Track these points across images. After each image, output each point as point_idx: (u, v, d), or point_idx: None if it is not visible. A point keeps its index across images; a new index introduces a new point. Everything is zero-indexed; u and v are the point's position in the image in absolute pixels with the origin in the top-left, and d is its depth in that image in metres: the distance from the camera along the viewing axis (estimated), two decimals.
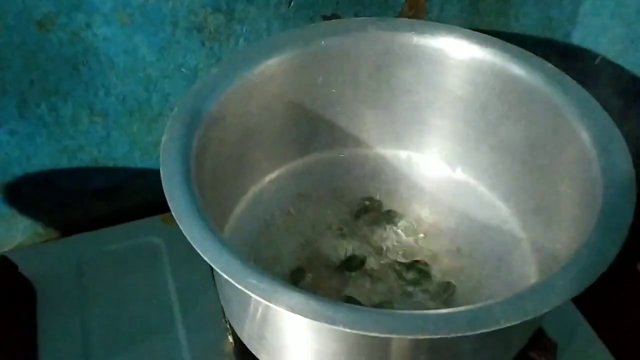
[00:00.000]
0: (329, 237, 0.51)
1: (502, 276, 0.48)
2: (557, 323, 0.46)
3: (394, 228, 0.52)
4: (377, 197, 0.54)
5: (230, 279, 0.31)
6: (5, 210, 0.56)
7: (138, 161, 0.58)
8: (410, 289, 0.47)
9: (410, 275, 0.48)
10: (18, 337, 0.47)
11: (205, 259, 0.32)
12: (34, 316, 0.49)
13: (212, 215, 0.38)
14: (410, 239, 0.51)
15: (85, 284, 0.51)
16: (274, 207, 0.52)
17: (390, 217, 0.52)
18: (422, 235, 0.52)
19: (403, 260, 0.49)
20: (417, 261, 0.49)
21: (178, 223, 0.34)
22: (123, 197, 0.60)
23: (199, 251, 0.33)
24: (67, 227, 0.59)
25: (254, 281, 0.31)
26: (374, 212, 0.53)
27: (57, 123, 0.52)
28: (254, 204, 0.51)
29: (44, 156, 0.54)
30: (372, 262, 0.49)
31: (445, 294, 0.47)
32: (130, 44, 0.50)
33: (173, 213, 0.34)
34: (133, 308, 0.50)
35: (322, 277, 0.47)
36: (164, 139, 0.39)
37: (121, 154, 0.57)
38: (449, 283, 0.48)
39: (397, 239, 0.51)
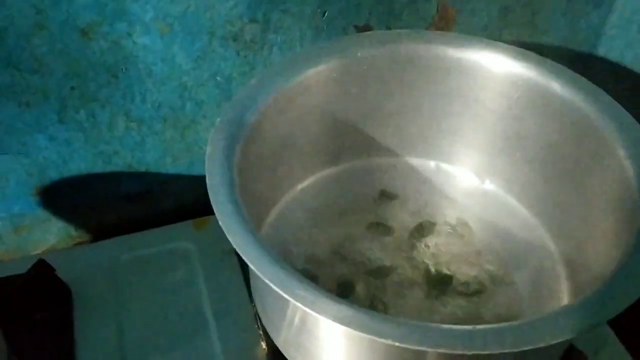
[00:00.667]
0: (360, 243, 0.52)
1: (532, 288, 0.48)
2: (586, 336, 0.47)
3: (423, 238, 0.52)
4: (408, 207, 0.55)
5: (278, 289, 0.32)
6: (41, 212, 0.57)
7: (170, 167, 0.59)
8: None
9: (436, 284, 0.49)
10: (56, 338, 0.48)
11: (254, 269, 0.33)
12: (70, 318, 0.50)
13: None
14: (440, 249, 0.52)
15: (120, 288, 0.52)
16: (305, 215, 0.52)
17: (420, 227, 0.53)
18: (451, 246, 0.52)
19: (432, 271, 0.50)
20: (446, 275, 0.50)
21: (226, 234, 0.35)
22: (154, 202, 0.60)
23: (247, 261, 0.34)
24: (99, 230, 0.60)
25: (301, 292, 0.32)
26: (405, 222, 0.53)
27: (94, 128, 0.53)
28: (286, 212, 0.52)
29: (80, 161, 0.55)
30: (401, 271, 0.50)
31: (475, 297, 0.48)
32: (168, 52, 0.51)
33: (221, 224, 0.35)
34: (166, 312, 0.51)
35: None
36: (208, 151, 0.40)
37: (154, 159, 0.58)
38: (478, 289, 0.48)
39: (426, 249, 0.52)
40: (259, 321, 0.48)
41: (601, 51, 0.66)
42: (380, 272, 0.49)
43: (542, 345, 0.30)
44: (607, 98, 0.45)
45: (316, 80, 0.48)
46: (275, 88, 0.45)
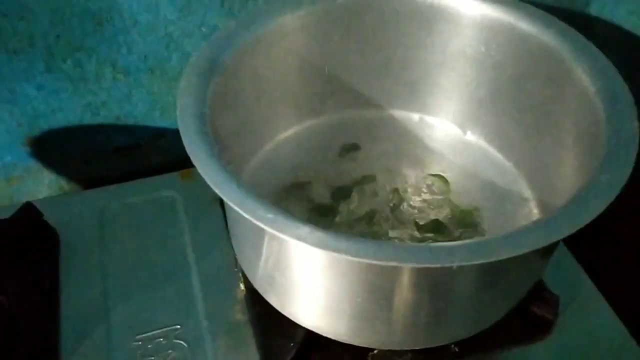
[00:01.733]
0: (341, 194, 0.52)
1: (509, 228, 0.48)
2: (558, 277, 0.47)
3: (405, 188, 0.53)
4: (390, 159, 0.55)
5: (241, 211, 0.33)
6: (32, 163, 0.58)
7: (158, 120, 0.59)
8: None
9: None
10: (41, 280, 0.49)
11: (217, 191, 0.34)
12: (56, 261, 0.51)
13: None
14: (420, 199, 0.52)
15: (106, 234, 0.54)
16: (287, 165, 0.53)
17: (402, 177, 0.53)
18: (432, 196, 0.53)
19: (417, 219, 0.51)
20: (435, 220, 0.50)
21: (192, 160, 0.35)
22: (143, 155, 0.61)
23: (210, 185, 0.34)
24: (89, 182, 0.61)
25: (263, 213, 0.33)
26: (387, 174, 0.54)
27: (81, 79, 0.54)
28: (268, 161, 0.53)
29: (69, 111, 0.56)
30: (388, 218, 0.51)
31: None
32: (152, 1, 0.51)
33: (188, 151, 0.36)
34: (150, 257, 0.52)
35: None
36: (180, 85, 0.40)
37: (142, 112, 0.58)
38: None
39: (408, 199, 0.52)
40: (238, 265, 0.49)
41: (593, 10, 0.66)
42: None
43: (495, 259, 0.30)
44: (582, 39, 0.45)
45: (296, 25, 0.49)
46: (253, 30, 0.46)
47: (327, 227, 0.46)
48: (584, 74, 0.42)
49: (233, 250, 0.50)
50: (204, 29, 0.54)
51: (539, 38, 0.46)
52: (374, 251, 0.30)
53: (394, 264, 0.30)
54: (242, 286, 0.49)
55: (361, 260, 0.30)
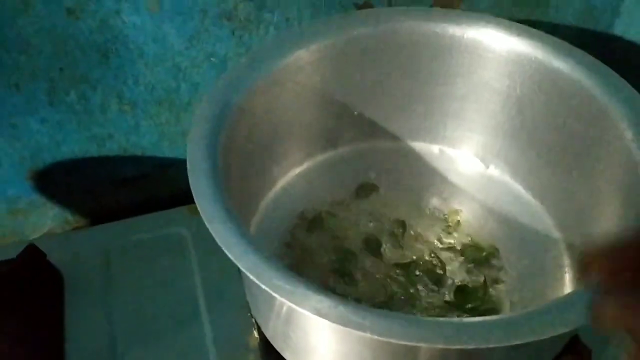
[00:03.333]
0: (358, 230, 0.50)
1: (535, 277, 0.46)
2: (591, 329, 0.45)
3: (427, 225, 0.50)
4: (410, 194, 0.53)
5: (256, 280, 0.30)
6: (36, 197, 0.56)
7: (166, 151, 0.57)
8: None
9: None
10: (45, 324, 0.47)
11: (230, 257, 0.32)
12: (61, 304, 0.49)
13: (239, 209, 0.38)
14: (442, 236, 0.50)
15: (112, 274, 0.51)
16: (302, 201, 0.51)
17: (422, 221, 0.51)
18: (454, 233, 0.50)
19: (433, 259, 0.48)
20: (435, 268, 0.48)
21: (204, 220, 0.33)
22: (151, 187, 0.59)
23: (223, 248, 0.32)
24: (96, 215, 0.59)
25: (281, 282, 0.30)
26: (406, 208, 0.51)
27: (86, 111, 0.52)
28: (282, 197, 0.51)
29: (74, 144, 0.54)
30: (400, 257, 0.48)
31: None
32: (160, 32, 0.49)
33: (199, 210, 0.34)
34: (159, 299, 0.50)
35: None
36: (190, 133, 0.38)
37: (150, 143, 0.56)
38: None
39: (427, 236, 0.50)
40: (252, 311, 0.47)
41: (618, 30, 0.63)
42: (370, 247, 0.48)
43: (533, 339, 0.28)
44: (617, 77, 0.42)
45: (311, 60, 0.46)
46: (266, 67, 0.44)
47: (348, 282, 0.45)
48: (620, 117, 0.40)
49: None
50: (213, 59, 0.52)
51: (568, 74, 0.44)
52: (401, 331, 0.28)
53: (422, 345, 0.28)
54: (255, 334, 0.47)
55: (388, 340, 0.28)
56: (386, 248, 0.48)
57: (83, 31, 0.47)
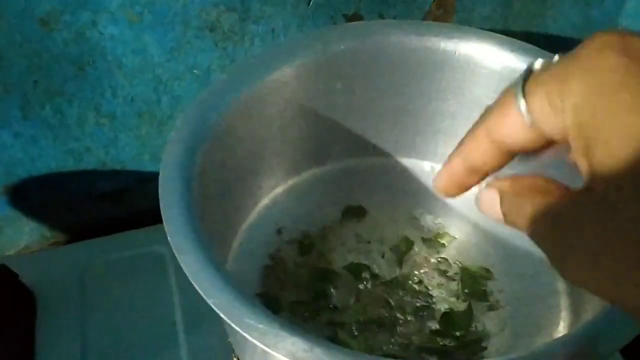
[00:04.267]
0: (342, 252, 0.48)
1: (528, 303, 0.44)
2: None
3: (418, 247, 0.48)
4: (400, 213, 0.50)
5: (226, 319, 0.28)
6: (11, 212, 0.54)
7: (147, 165, 0.55)
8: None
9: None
10: (14, 348, 0.45)
11: (200, 292, 0.30)
12: (32, 326, 0.47)
13: (218, 231, 0.36)
14: (431, 258, 0.48)
15: (88, 294, 0.49)
16: (286, 220, 0.49)
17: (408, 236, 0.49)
18: (444, 254, 0.48)
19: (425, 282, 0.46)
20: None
21: (174, 251, 0.31)
22: (131, 201, 0.57)
23: (193, 282, 0.30)
24: (74, 230, 0.57)
25: (252, 322, 0.28)
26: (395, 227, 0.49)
27: (62, 125, 0.50)
28: (265, 217, 0.48)
29: (49, 158, 0.52)
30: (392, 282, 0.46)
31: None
32: (139, 43, 0.47)
33: (169, 240, 0.32)
34: (135, 322, 0.48)
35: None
36: (164, 155, 0.36)
37: (129, 157, 0.54)
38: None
39: (420, 257, 0.48)
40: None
41: None
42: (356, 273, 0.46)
43: None
44: None
45: (295, 74, 0.44)
46: (248, 83, 0.41)
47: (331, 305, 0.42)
48: None
49: None
50: (196, 72, 0.50)
51: None
52: None
53: None
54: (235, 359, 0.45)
55: None
56: (371, 270, 0.46)
57: (58, 43, 0.45)
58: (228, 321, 0.28)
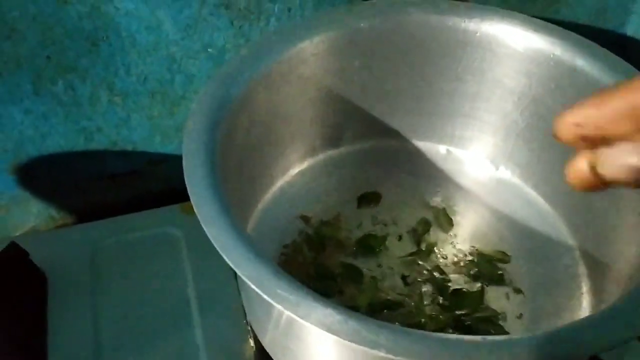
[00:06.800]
0: (360, 234, 0.47)
1: (547, 288, 0.44)
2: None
3: (431, 231, 0.48)
4: (416, 197, 0.50)
5: (258, 290, 0.28)
6: (19, 192, 0.53)
7: (158, 146, 0.54)
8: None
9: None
10: (26, 328, 0.44)
11: (230, 263, 0.29)
12: (44, 306, 0.46)
13: (237, 208, 0.35)
14: (447, 241, 0.48)
15: (99, 274, 0.48)
16: (302, 202, 0.48)
17: (427, 218, 0.48)
18: (460, 238, 0.48)
19: (442, 265, 0.46)
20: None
21: (202, 223, 0.30)
22: (142, 183, 0.56)
23: (222, 254, 0.29)
24: (82, 212, 0.56)
25: (285, 293, 0.27)
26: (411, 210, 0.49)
27: (74, 102, 0.49)
28: (281, 198, 0.48)
29: (60, 137, 0.51)
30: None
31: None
32: (154, 19, 0.46)
33: (196, 211, 0.31)
34: (147, 302, 0.47)
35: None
36: (186, 128, 0.35)
37: (141, 137, 0.53)
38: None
39: (436, 240, 0.47)
40: (247, 318, 0.44)
41: (629, 29, 0.61)
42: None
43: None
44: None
45: (314, 52, 0.43)
46: (267, 60, 0.41)
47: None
48: None
49: (241, 298, 0.45)
50: (210, 50, 0.49)
51: (587, 72, 0.41)
52: (420, 349, 0.25)
53: None
54: (251, 342, 0.44)
55: (403, 359, 0.25)
56: (387, 253, 0.46)
57: (72, 17, 0.44)
58: (260, 292, 0.27)
